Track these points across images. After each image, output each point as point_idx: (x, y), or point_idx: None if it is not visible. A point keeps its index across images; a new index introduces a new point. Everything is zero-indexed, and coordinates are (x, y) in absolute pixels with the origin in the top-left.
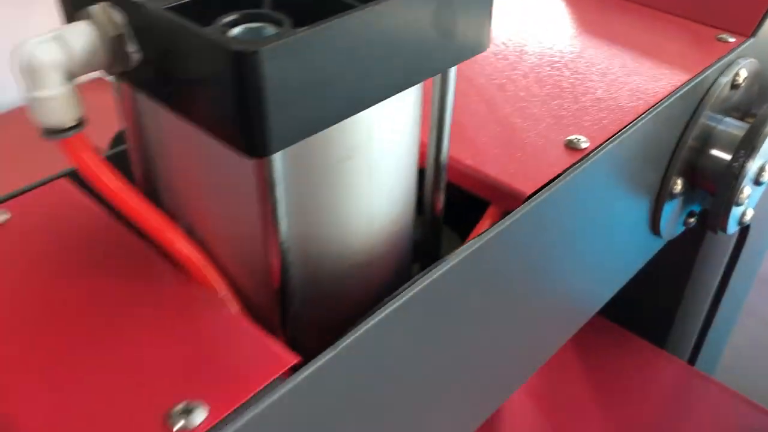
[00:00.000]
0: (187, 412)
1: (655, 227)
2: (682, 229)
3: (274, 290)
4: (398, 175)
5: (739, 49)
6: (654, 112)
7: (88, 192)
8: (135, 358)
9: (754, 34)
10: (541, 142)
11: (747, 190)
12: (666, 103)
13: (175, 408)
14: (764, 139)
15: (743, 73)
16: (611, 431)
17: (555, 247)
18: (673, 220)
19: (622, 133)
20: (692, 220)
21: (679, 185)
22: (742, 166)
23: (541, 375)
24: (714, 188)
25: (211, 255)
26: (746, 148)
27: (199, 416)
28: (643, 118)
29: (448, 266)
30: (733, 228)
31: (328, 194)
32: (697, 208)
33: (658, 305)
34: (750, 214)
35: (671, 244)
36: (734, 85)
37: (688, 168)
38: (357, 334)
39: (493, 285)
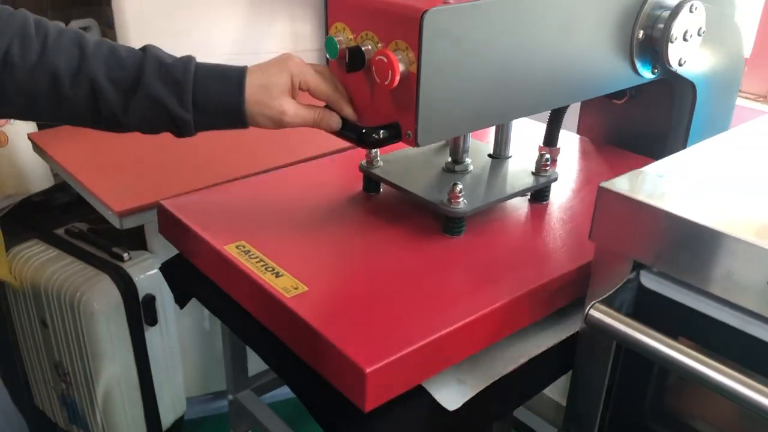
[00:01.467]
0: None
1: (633, 67)
2: (652, 76)
3: None
4: None
5: None
6: None
7: None
8: None
9: None
10: None
11: (677, 39)
12: None
13: None
14: (681, 10)
15: None
16: None
17: (577, 31)
18: (642, 67)
19: None
20: (656, 70)
21: (641, 34)
22: (672, 20)
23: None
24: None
25: None
26: (674, 13)
27: None
28: None
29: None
30: (674, 62)
31: None
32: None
33: (654, 137)
34: (685, 60)
35: (657, 105)
36: None
37: (646, 32)
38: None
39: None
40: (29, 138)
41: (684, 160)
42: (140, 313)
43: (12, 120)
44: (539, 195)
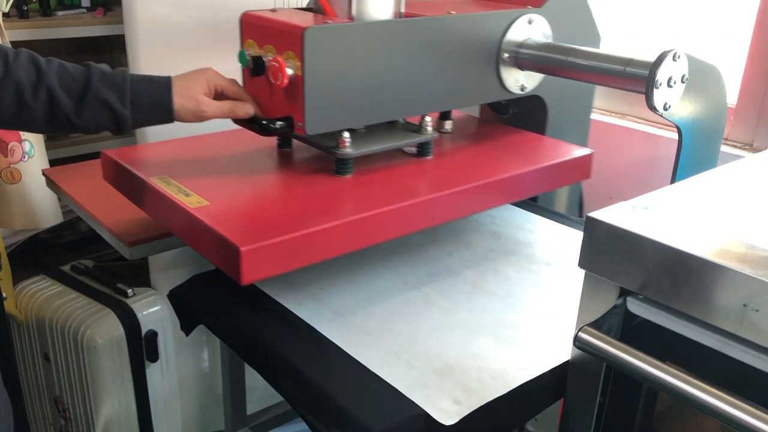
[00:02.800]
0: None
1: (501, 83)
2: (520, 92)
3: None
4: None
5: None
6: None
7: None
8: None
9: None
10: None
11: (662, 84)
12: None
13: None
14: (665, 58)
15: (534, 17)
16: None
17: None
18: (510, 83)
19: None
20: (527, 87)
21: (506, 56)
22: (656, 67)
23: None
24: (538, 67)
25: None
26: (658, 60)
27: None
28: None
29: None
30: (660, 106)
31: None
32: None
33: None
34: (671, 106)
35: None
36: (530, 21)
37: (512, 55)
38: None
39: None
40: (43, 173)
41: (667, 195)
42: (142, 349)
43: (26, 156)
44: (422, 150)
